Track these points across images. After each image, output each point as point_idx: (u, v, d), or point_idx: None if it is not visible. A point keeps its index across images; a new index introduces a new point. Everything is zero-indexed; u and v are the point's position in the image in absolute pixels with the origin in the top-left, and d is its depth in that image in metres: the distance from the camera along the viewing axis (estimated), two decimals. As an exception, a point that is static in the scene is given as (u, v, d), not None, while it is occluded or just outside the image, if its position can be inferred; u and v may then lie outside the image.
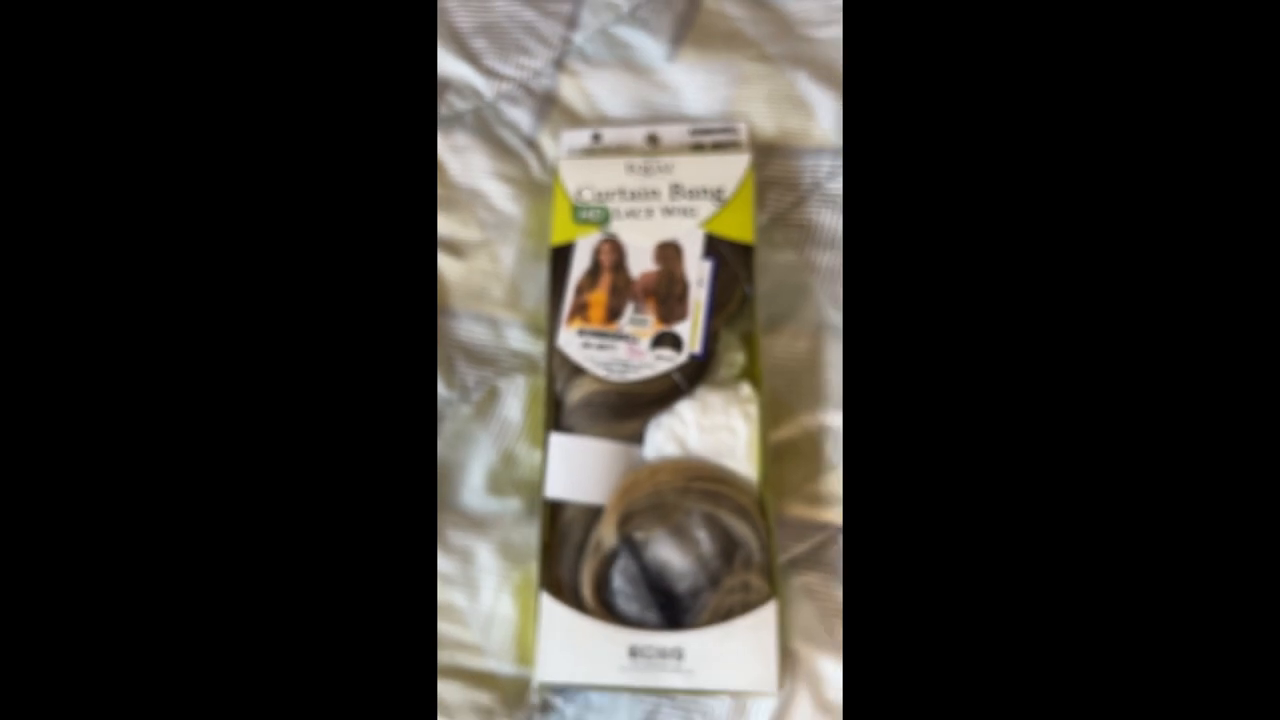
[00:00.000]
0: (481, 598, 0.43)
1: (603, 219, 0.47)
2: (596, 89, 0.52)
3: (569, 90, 0.52)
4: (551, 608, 0.40)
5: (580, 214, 0.47)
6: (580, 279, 0.46)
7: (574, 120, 0.51)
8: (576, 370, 0.44)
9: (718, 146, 0.49)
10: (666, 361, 0.43)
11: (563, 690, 0.41)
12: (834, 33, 0.53)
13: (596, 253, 0.46)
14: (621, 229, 0.46)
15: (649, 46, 0.53)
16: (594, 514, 0.42)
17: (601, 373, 0.43)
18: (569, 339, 0.45)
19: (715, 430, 0.42)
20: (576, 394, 0.44)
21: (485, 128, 0.52)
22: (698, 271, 0.45)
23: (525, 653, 0.42)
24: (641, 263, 0.46)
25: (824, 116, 0.51)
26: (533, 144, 0.51)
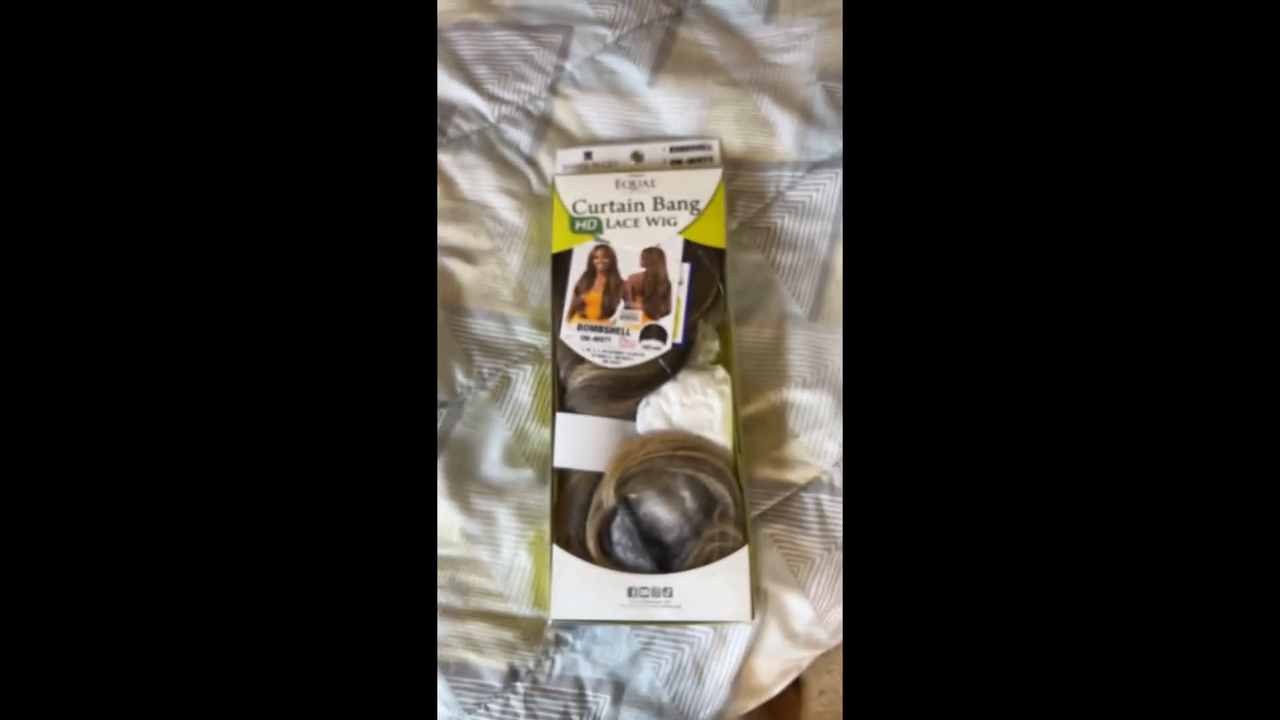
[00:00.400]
0: (502, 553, 0.48)
1: (596, 228, 0.50)
2: (587, 111, 0.55)
3: (562, 113, 0.56)
4: (562, 558, 0.44)
5: (576, 224, 0.50)
6: (578, 281, 0.49)
7: (568, 140, 0.55)
8: (577, 359, 0.48)
9: (693, 162, 0.53)
10: (653, 350, 0.47)
11: (572, 626, 0.46)
12: (794, 58, 0.58)
13: (591, 258, 0.49)
14: (612, 237, 0.50)
15: (632, 73, 0.56)
16: (595, 479, 0.46)
17: (599, 361, 0.47)
18: (570, 333, 0.48)
19: (695, 407, 0.46)
20: (577, 379, 0.47)
21: (489, 147, 0.56)
22: (678, 273, 0.49)
23: (541, 597, 0.47)
24: (630, 266, 0.49)
25: (784, 135, 0.55)
26: (532, 161, 0.55)
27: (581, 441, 0.46)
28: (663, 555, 0.45)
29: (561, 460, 0.46)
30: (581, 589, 0.44)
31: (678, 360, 0.47)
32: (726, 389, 0.46)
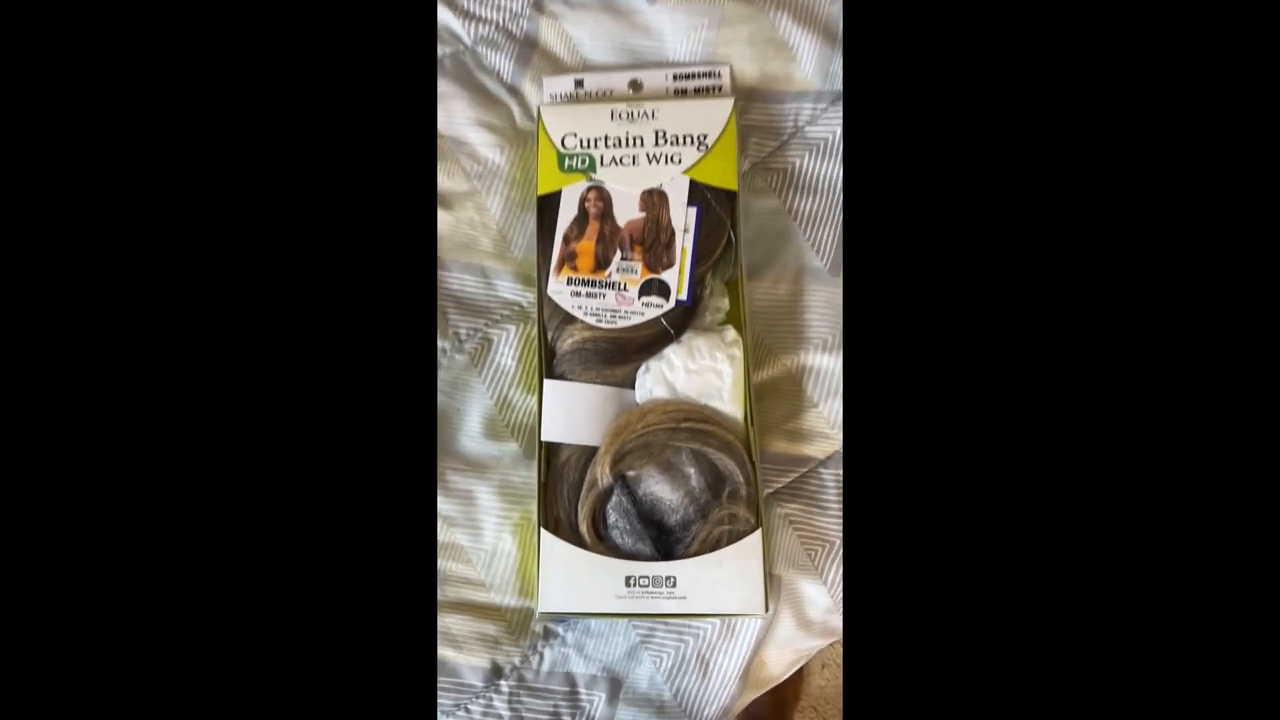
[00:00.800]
0: (484, 536, 0.45)
1: (588, 167, 0.45)
2: (577, 33, 0.50)
3: (549, 34, 0.50)
4: (551, 543, 0.41)
5: (565, 162, 0.46)
6: (568, 228, 0.45)
7: (555, 65, 0.50)
8: (567, 318, 0.44)
9: (700, 91, 0.48)
10: (654, 308, 0.43)
11: (563, 619, 0.43)
12: (816, -28, 0.52)
13: (583, 201, 0.45)
14: (607, 177, 0.45)
15: (630, -13, 0.52)
16: (588, 454, 0.43)
17: (592, 320, 0.43)
18: (559, 288, 0.44)
19: (702, 373, 0.43)
20: (568, 341, 0.43)
21: (466, 74, 0.50)
22: (683, 219, 0.44)
23: (527, 586, 0.44)
24: (628, 210, 0.45)
25: (806, 60, 0.49)
26: (515, 91, 0.50)
27: (572, 412, 0.42)
28: (665, 540, 0.42)
29: (550, 433, 0.42)
30: (573, 578, 0.40)
31: (682, 320, 0.43)
32: (737, 352, 0.43)
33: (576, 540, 0.41)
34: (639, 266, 0.44)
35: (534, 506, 0.43)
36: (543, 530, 0.41)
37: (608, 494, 0.42)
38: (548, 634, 0.44)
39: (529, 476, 0.45)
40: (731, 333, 0.44)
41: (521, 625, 0.44)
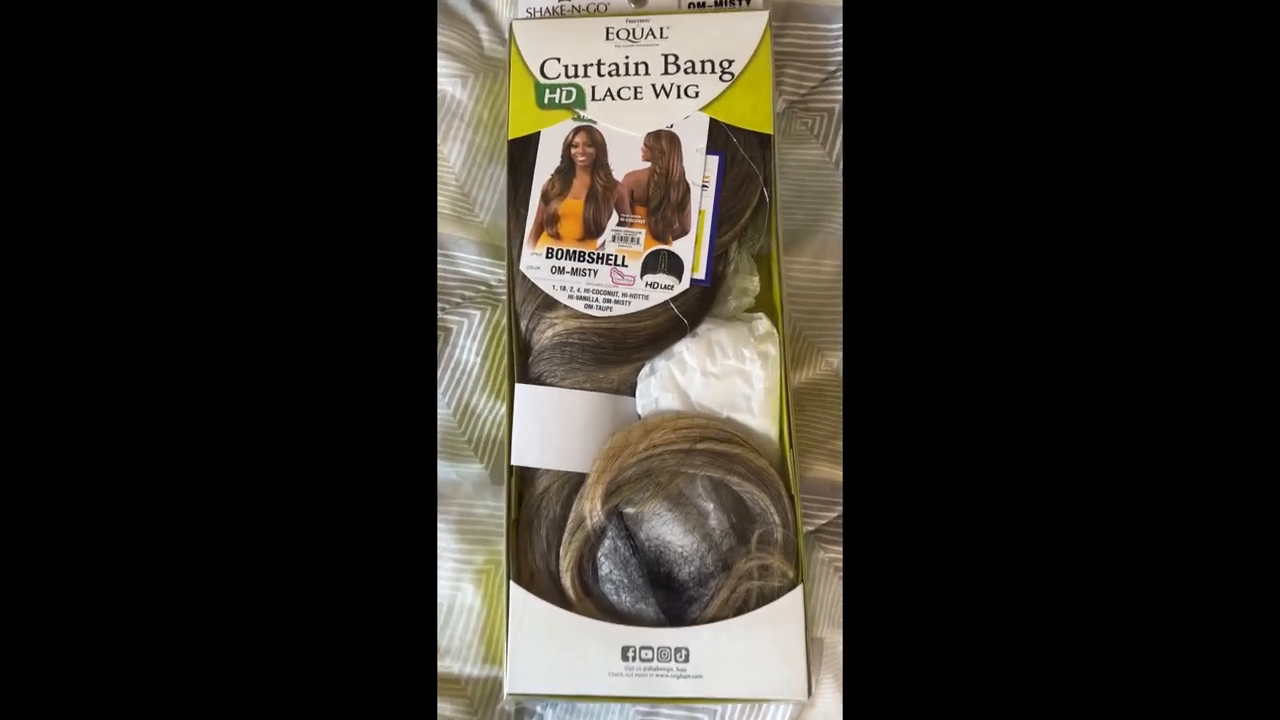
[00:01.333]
0: (439, 586, 0.39)
1: (576, 101, 0.39)
2: None
3: None
4: (524, 602, 0.35)
5: (546, 96, 0.39)
6: (548, 183, 0.38)
7: None
8: (547, 302, 0.38)
9: (723, 5, 0.41)
10: (662, 290, 0.37)
11: (541, 699, 0.38)
12: None
13: (568, 147, 0.39)
14: (599, 115, 0.39)
15: None
16: (574, 484, 0.37)
17: (579, 306, 0.37)
18: (535, 261, 0.38)
19: (724, 376, 0.37)
20: (548, 333, 0.38)
21: None
22: (700, 170, 0.38)
23: (494, 649, 0.38)
24: (628, 159, 0.38)
25: None
26: (480, 4, 0.44)
27: (553, 427, 0.37)
28: (674, 599, 0.36)
29: (524, 455, 0.37)
30: (553, 648, 0.35)
31: (699, 305, 0.38)
32: (771, 349, 0.37)
33: (558, 598, 0.36)
34: (642, 234, 0.38)
35: (503, 549, 0.37)
36: (513, 585, 0.35)
37: (599, 537, 0.36)
38: (521, 714, 0.39)
39: (496, 508, 0.39)
40: (764, 323, 0.38)
41: (486, 702, 0.38)
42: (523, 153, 0.39)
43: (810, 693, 0.34)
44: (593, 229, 0.38)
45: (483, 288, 0.42)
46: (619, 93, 0.39)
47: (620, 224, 0.38)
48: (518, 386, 0.37)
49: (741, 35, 0.39)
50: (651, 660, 0.34)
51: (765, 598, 0.35)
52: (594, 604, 0.36)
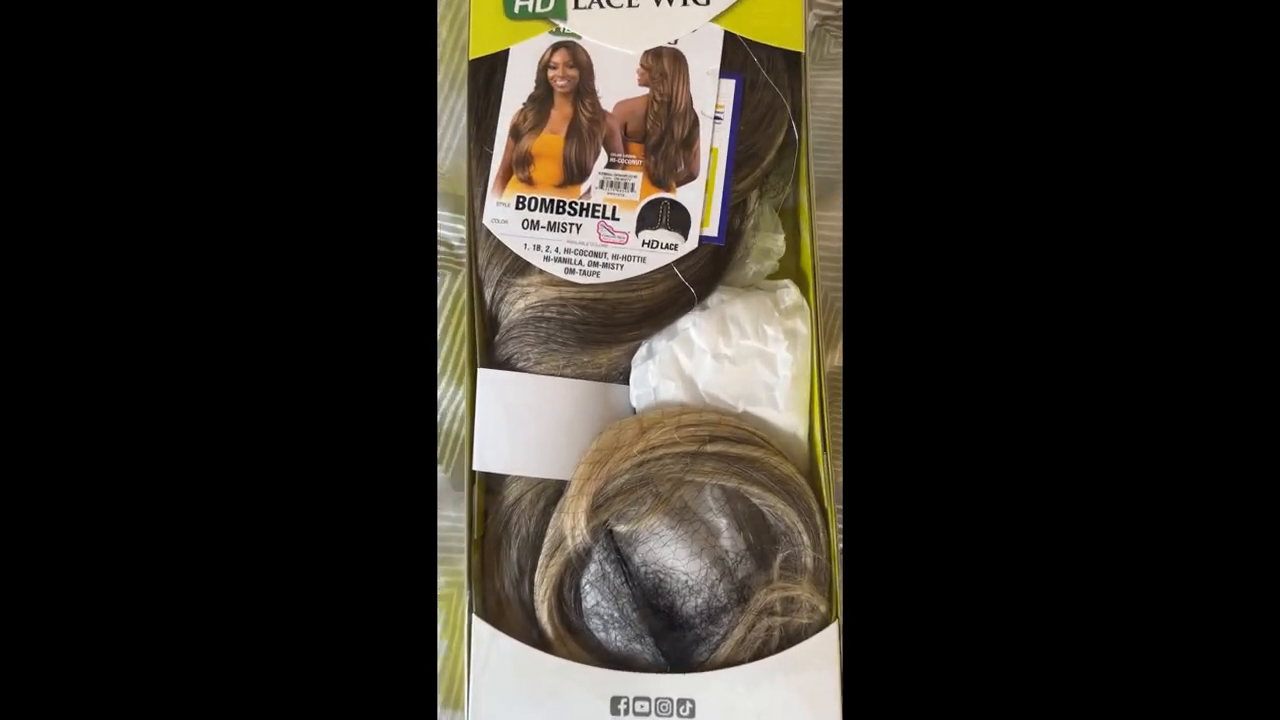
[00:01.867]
0: None
1: (554, 10, 0.35)
2: None
3: None
4: (489, 641, 0.32)
5: (516, 4, 0.35)
6: (519, 113, 0.34)
7: None
8: (517, 266, 0.34)
9: None
10: (663, 250, 0.33)
11: None
12: None
13: (545, 68, 0.34)
14: (583, 27, 0.34)
15: None
16: (552, 494, 0.34)
17: (557, 270, 0.33)
18: (502, 213, 0.34)
19: (742, 360, 0.33)
20: (519, 304, 0.34)
21: None
22: (713, 98, 0.34)
23: (454, 692, 0.36)
24: (620, 84, 0.34)
25: None
26: None
27: (525, 423, 0.33)
28: (677, 637, 0.33)
29: (489, 457, 0.33)
30: (524, 698, 0.32)
31: (710, 270, 0.34)
32: (801, 325, 0.34)
33: (532, 635, 0.33)
34: (638, 179, 0.34)
35: (463, 571, 0.33)
36: (475, 619, 0.32)
37: (584, 560, 0.33)
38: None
39: (457, 522, 0.36)
40: (791, 293, 0.34)
41: (447, 754, 0.35)
42: (487, 76, 0.34)
43: (846, 755, 0.31)
44: (575, 172, 0.33)
45: (442, 248, 0.38)
46: (609, -1, 0.33)
47: (610, 166, 0.33)
48: (481, 372, 0.33)
49: (765, -76, 0.34)
50: (648, 714, 0.31)
51: (790, 638, 0.31)
52: (577, 643, 0.33)
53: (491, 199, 0.33)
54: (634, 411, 0.34)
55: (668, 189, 0.33)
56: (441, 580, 0.35)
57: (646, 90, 0.33)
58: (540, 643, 0.32)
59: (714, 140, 0.33)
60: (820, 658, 0.30)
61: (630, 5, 0.33)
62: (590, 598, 0.32)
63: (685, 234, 0.33)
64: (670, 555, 0.32)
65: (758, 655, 0.31)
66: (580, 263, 0.33)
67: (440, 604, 0.35)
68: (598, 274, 0.33)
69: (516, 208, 0.33)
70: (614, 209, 0.32)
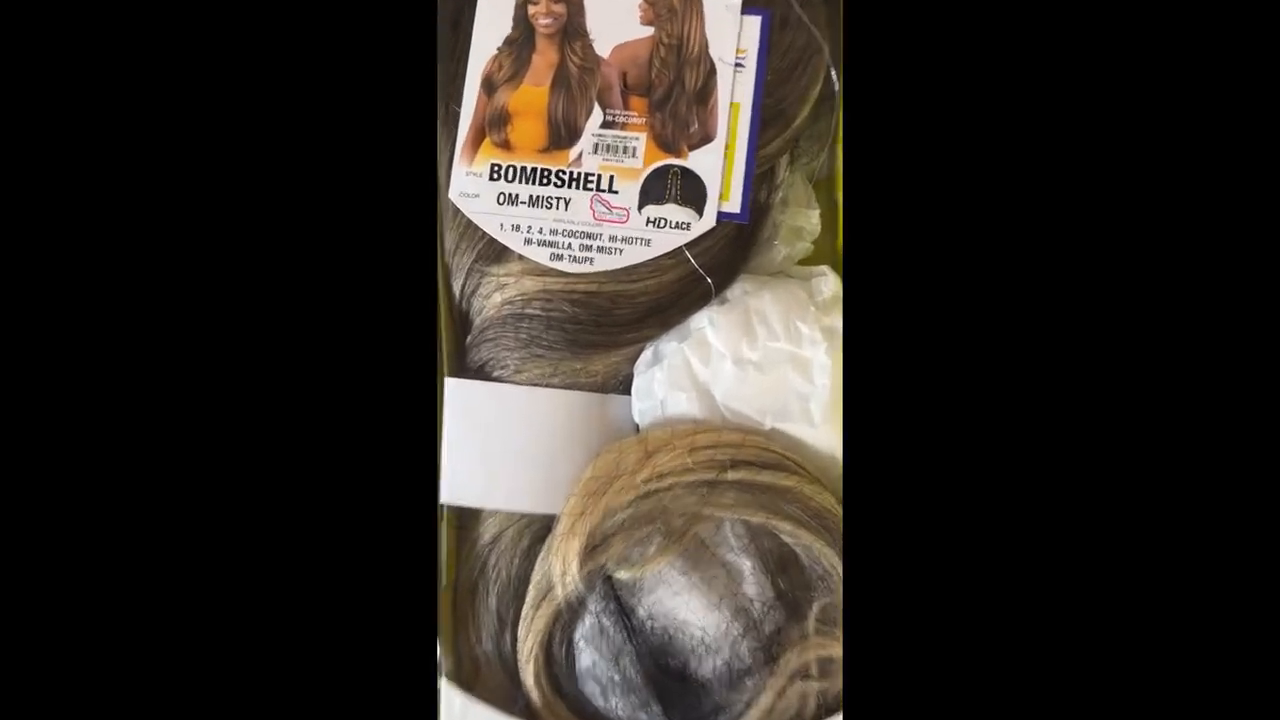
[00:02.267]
0: None
1: None
2: None
3: None
4: (461, 709, 0.29)
5: None
6: (493, 60, 0.31)
7: None
8: (491, 251, 0.32)
9: None
10: (673, 230, 0.31)
11: None
12: None
13: (524, 4, 0.31)
14: None
15: None
16: (538, 531, 0.32)
17: (542, 256, 0.31)
18: (473, 185, 0.31)
19: (769, 366, 0.31)
20: (494, 298, 0.32)
21: None
22: (733, 41, 0.31)
23: None
24: (616, 25, 0.31)
25: None
26: None
27: (504, 445, 0.31)
28: (692, 707, 0.31)
29: (460, 488, 0.31)
30: None
31: (730, 255, 0.32)
32: (838, 322, 0.31)
33: (515, 700, 0.30)
34: (641, 142, 0.31)
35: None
36: (445, 683, 0.29)
37: (577, 612, 0.31)
38: None
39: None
40: (830, 281, 0.32)
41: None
42: (454, 16, 0.32)
43: None
44: (563, 133, 0.31)
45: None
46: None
47: (606, 125, 0.30)
48: (449, 382, 0.31)
49: None
50: (656, 800, 0.28)
51: (830, 707, 0.29)
52: (570, 710, 0.30)
53: (459, 168, 0.30)
54: (637, 430, 0.32)
55: (677, 154, 0.30)
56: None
57: (651, 31, 0.31)
58: (525, 710, 0.29)
59: (735, 93, 0.30)
60: (865, 730, 0.27)
61: (629, -75, 0.29)
62: (586, 657, 0.30)
63: (700, 210, 0.30)
64: (683, 606, 0.30)
65: (790, 728, 0.26)
66: (569, 246, 0.31)
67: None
68: (591, 260, 0.31)
69: (490, 178, 0.30)
70: (611, 179, 0.30)
